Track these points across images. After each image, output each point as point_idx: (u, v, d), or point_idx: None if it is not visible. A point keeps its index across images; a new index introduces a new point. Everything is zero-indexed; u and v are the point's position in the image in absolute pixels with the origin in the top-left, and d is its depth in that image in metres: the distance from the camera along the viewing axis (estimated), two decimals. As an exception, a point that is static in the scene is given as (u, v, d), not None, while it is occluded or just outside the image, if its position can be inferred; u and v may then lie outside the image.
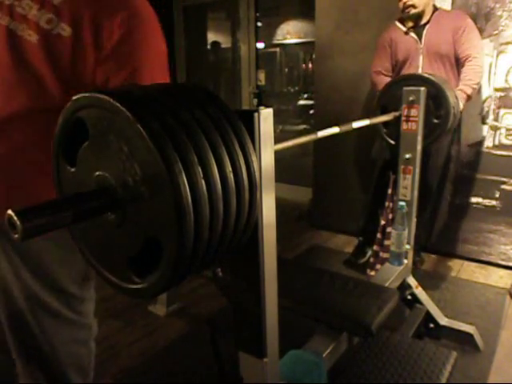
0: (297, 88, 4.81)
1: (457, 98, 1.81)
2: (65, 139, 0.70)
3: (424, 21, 2.44)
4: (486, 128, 2.64)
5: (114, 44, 0.91)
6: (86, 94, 0.64)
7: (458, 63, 2.42)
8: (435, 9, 2.46)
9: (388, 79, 2.54)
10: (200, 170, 0.59)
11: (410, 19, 2.45)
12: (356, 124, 1.42)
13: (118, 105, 0.58)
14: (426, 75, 1.80)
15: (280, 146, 0.98)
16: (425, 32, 2.43)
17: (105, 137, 0.63)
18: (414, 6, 2.38)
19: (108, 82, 0.94)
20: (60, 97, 0.92)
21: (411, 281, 1.92)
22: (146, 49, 0.96)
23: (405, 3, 2.39)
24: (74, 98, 0.66)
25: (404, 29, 2.49)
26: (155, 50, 0.99)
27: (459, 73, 2.45)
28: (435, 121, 1.76)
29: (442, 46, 2.40)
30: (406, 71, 2.48)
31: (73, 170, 0.70)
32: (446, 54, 2.40)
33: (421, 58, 2.45)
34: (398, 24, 2.52)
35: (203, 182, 0.59)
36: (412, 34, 2.47)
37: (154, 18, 0.97)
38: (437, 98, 1.73)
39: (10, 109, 0.92)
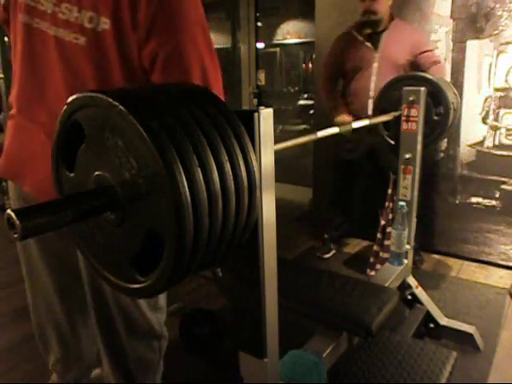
0: (297, 88, 4.80)
1: (456, 94, 1.81)
2: (63, 144, 0.70)
3: (381, 28, 2.46)
4: (486, 128, 2.64)
5: (150, 18, 0.88)
6: (80, 95, 0.64)
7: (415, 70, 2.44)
8: (392, 18, 2.48)
9: (337, 96, 2.63)
10: (197, 161, 0.59)
11: (368, 25, 2.47)
12: (356, 124, 1.42)
13: (111, 100, 0.59)
14: (421, 74, 1.80)
15: (280, 145, 0.98)
16: (382, 40, 2.45)
17: (100, 135, 0.63)
18: (374, 13, 2.40)
19: (154, 63, 0.91)
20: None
21: (411, 281, 1.92)
22: (183, 16, 0.91)
23: (367, 7, 2.40)
24: (68, 100, 0.66)
25: (360, 38, 2.50)
26: (193, 16, 0.93)
27: None
28: (435, 118, 1.76)
29: (399, 57, 2.42)
30: (358, 80, 2.50)
31: (72, 174, 0.70)
32: (402, 64, 2.42)
33: (375, 65, 2.46)
34: (353, 32, 2.53)
35: (201, 175, 0.59)
36: (367, 43, 2.48)
37: None
38: (435, 96, 1.73)
39: None
